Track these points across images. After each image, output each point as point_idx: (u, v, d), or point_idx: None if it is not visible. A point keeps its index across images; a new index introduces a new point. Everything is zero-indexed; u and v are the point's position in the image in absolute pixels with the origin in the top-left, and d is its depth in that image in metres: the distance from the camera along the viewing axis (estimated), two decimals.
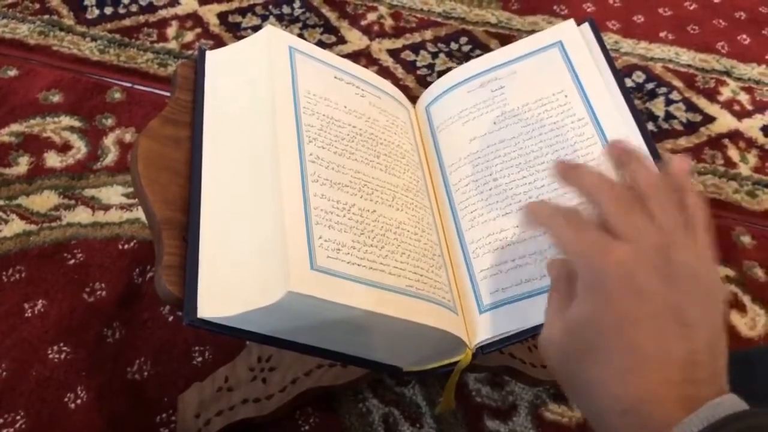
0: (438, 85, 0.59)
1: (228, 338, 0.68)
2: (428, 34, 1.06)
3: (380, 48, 1.04)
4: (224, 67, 0.54)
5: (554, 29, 0.57)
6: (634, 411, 0.32)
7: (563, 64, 0.54)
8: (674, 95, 1.00)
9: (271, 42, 0.53)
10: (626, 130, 0.49)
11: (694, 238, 0.36)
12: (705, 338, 0.34)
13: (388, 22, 1.08)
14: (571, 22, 0.56)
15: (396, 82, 0.98)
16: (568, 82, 0.53)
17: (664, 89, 1.01)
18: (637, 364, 0.33)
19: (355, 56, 1.02)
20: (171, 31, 1.03)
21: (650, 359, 0.33)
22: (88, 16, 1.03)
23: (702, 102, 0.99)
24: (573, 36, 0.55)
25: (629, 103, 0.51)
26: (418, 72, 1.00)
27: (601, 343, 0.34)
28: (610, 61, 0.54)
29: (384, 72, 1.00)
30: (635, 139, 0.49)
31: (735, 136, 0.96)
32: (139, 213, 0.80)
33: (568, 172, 0.40)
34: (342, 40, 1.04)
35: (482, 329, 0.45)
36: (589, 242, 0.36)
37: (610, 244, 0.35)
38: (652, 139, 0.49)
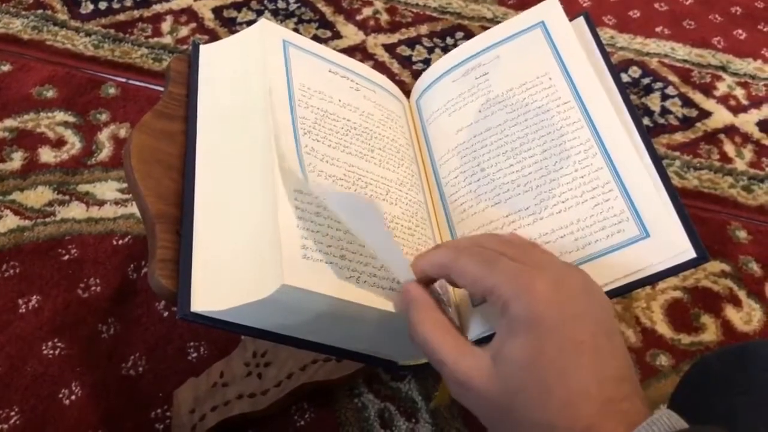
0: (425, 77, 0.58)
1: (223, 333, 0.68)
2: (424, 29, 1.06)
3: (376, 43, 1.03)
4: (218, 61, 0.54)
5: (536, 9, 0.55)
6: None
7: (546, 44, 0.53)
8: (670, 90, 1.00)
9: (265, 36, 0.52)
10: (612, 111, 0.49)
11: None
12: (625, 351, 0.35)
13: (384, 17, 1.07)
14: (555, 0, 0.55)
15: (392, 77, 0.98)
16: (552, 63, 0.52)
17: (659, 84, 1.01)
18: (580, 391, 0.32)
19: (350, 51, 1.01)
20: (166, 26, 1.02)
21: (592, 382, 0.33)
22: (82, 11, 1.03)
23: (698, 97, 0.99)
24: (555, 15, 0.54)
25: (625, 98, 0.50)
26: (414, 67, 1.00)
27: (542, 376, 0.33)
28: (606, 56, 0.53)
29: (380, 67, 0.99)
30: (630, 134, 0.48)
31: (731, 131, 0.96)
32: (134, 208, 0.79)
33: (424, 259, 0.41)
34: (337, 35, 1.04)
35: (475, 322, 0.45)
36: (508, 273, 0.35)
37: (532, 271, 0.35)
38: (647, 135, 0.48)
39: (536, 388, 0.33)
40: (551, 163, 0.49)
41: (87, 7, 1.03)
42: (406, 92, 0.61)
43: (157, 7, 1.05)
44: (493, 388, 0.34)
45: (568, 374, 0.33)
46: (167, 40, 1.00)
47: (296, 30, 1.03)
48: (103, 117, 0.89)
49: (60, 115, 0.89)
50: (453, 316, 0.46)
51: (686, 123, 0.96)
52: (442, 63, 0.58)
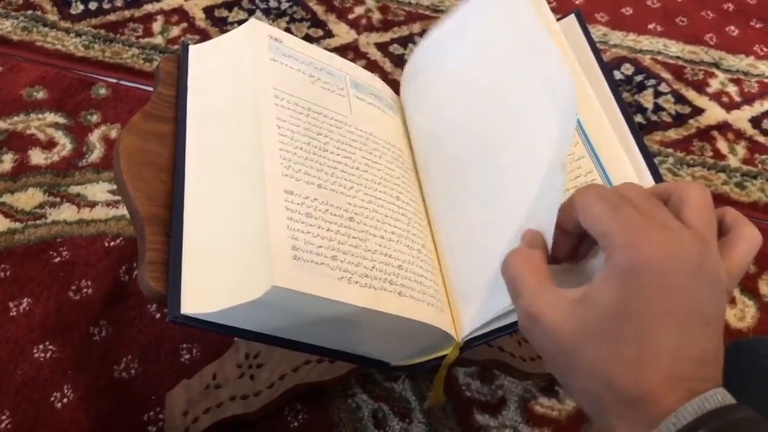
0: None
1: (216, 335, 0.68)
2: (416, 28, 1.06)
3: (368, 42, 1.03)
4: (207, 62, 0.53)
5: None
6: (639, 402, 0.31)
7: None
8: (663, 87, 1.00)
9: (255, 36, 0.52)
10: (594, 97, 0.48)
11: (715, 246, 0.36)
12: (718, 338, 0.33)
13: (376, 16, 1.07)
14: None
15: (384, 76, 0.97)
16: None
17: (652, 81, 1.01)
18: (652, 356, 0.32)
19: (342, 50, 1.01)
20: (156, 26, 1.02)
21: (666, 353, 0.32)
22: (73, 12, 1.02)
23: (691, 94, 0.99)
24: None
25: (617, 95, 0.50)
26: None
27: (619, 330, 0.32)
28: (597, 53, 0.53)
29: (372, 66, 0.99)
30: (621, 131, 0.48)
31: (724, 127, 0.96)
32: (125, 210, 0.79)
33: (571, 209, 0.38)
34: (329, 34, 1.04)
35: (469, 322, 0.45)
36: (628, 222, 0.34)
37: (651, 227, 0.34)
38: (639, 132, 0.48)
39: (610, 339, 0.32)
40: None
41: (77, 8, 1.03)
42: (398, 91, 0.61)
43: (148, 7, 1.04)
44: (564, 326, 0.34)
45: (646, 338, 0.32)
46: (158, 40, 1.00)
47: (288, 29, 1.03)
48: (94, 118, 0.89)
49: (50, 117, 0.88)
50: (435, 292, 0.46)
51: (679, 120, 0.96)
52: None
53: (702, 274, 0.34)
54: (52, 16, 1.01)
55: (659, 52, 1.05)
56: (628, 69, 1.02)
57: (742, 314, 0.77)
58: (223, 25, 1.03)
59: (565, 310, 0.34)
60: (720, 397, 0.31)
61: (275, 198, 0.42)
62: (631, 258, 0.33)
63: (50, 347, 0.69)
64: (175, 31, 1.01)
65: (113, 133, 0.87)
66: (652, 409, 0.31)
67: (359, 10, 1.08)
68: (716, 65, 1.03)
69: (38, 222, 0.78)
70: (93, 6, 1.03)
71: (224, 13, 1.05)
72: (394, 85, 0.60)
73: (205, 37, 1.00)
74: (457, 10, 0.54)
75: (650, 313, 0.32)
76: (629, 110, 0.49)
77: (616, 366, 0.32)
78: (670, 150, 0.92)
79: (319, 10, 1.07)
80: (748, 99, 0.99)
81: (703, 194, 0.37)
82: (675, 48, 1.06)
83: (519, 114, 0.47)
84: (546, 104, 0.45)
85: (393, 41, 1.04)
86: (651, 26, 1.09)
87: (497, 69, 0.50)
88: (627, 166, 0.46)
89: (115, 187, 0.81)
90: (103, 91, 0.92)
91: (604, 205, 0.35)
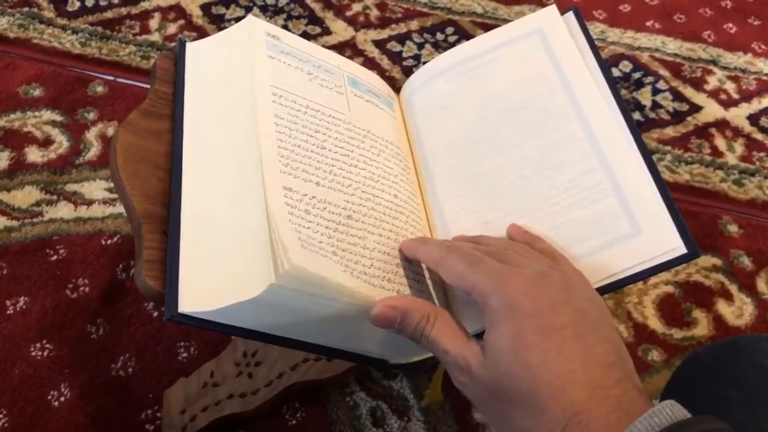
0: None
1: (213, 333, 0.67)
2: (414, 25, 1.06)
3: (366, 39, 1.03)
4: (205, 59, 0.53)
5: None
6: (573, 424, 0.32)
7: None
8: (661, 84, 1.00)
9: (252, 33, 0.52)
10: (610, 116, 0.49)
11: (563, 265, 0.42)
12: (612, 340, 0.36)
13: (374, 13, 1.07)
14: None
15: (382, 73, 0.97)
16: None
17: (650, 78, 1.01)
18: (566, 374, 0.33)
19: (340, 47, 1.01)
20: (153, 23, 1.01)
21: (576, 366, 0.34)
22: (69, 9, 1.02)
23: (689, 91, 0.99)
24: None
25: (614, 92, 0.50)
26: (404, 63, 1.00)
27: (528, 361, 0.34)
28: (595, 50, 0.53)
29: (370, 63, 0.99)
30: (620, 129, 0.48)
31: (721, 125, 0.96)
32: (123, 208, 0.79)
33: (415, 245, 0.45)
34: (327, 31, 1.03)
35: (466, 320, 0.45)
36: (490, 271, 0.38)
37: (509, 268, 0.38)
38: (637, 130, 0.48)
39: (522, 373, 0.34)
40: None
41: (74, 5, 1.02)
42: (396, 89, 0.60)
43: (145, 4, 1.04)
44: (485, 375, 0.36)
45: (551, 358, 0.34)
46: (155, 37, 0.99)
47: (285, 26, 1.03)
48: (91, 115, 0.88)
49: (47, 114, 0.88)
50: (433, 291, 0.46)
51: (677, 117, 0.96)
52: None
53: (570, 287, 0.38)
54: (49, 14, 1.01)
55: (657, 50, 1.05)
56: (626, 66, 1.02)
57: (740, 312, 0.77)
58: (220, 22, 1.03)
59: (482, 358, 0.37)
60: (669, 410, 0.31)
61: (274, 194, 0.42)
62: (504, 297, 0.36)
63: (47, 345, 0.69)
64: (172, 28, 1.01)
65: (110, 131, 0.87)
66: (586, 428, 0.32)
67: (357, 7, 1.07)
68: (714, 62, 1.03)
69: (35, 220, 0.78)
70: (90, 3, 1.03)
71: (221, 10, 1.05)
72: (392, 82, 0.60)
73: (202, 34, 1.00)
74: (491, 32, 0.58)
75: (545, 334, 0.35)
76: (627, 107, 0.49)
77: (540, 395, 0.34)
78: (668, 147, 0.92)
79: (316, 7, 1.07)
80: (746, 96, 0.99)
81: (507, 241, 0.45)
82: (673, 45, 1.06)
83: (547, 138, 0.50)
84: (577, 136, 0.49)
85: (391, 38, 1.03)
86: (649, 23, 1.09)
87: (527, 90, 0.53)
88: (636, 174, 0.46)
89: (112, 184, 0.81)
90: (99, 89, 0.91)
91: (465, 263, 0.39)
